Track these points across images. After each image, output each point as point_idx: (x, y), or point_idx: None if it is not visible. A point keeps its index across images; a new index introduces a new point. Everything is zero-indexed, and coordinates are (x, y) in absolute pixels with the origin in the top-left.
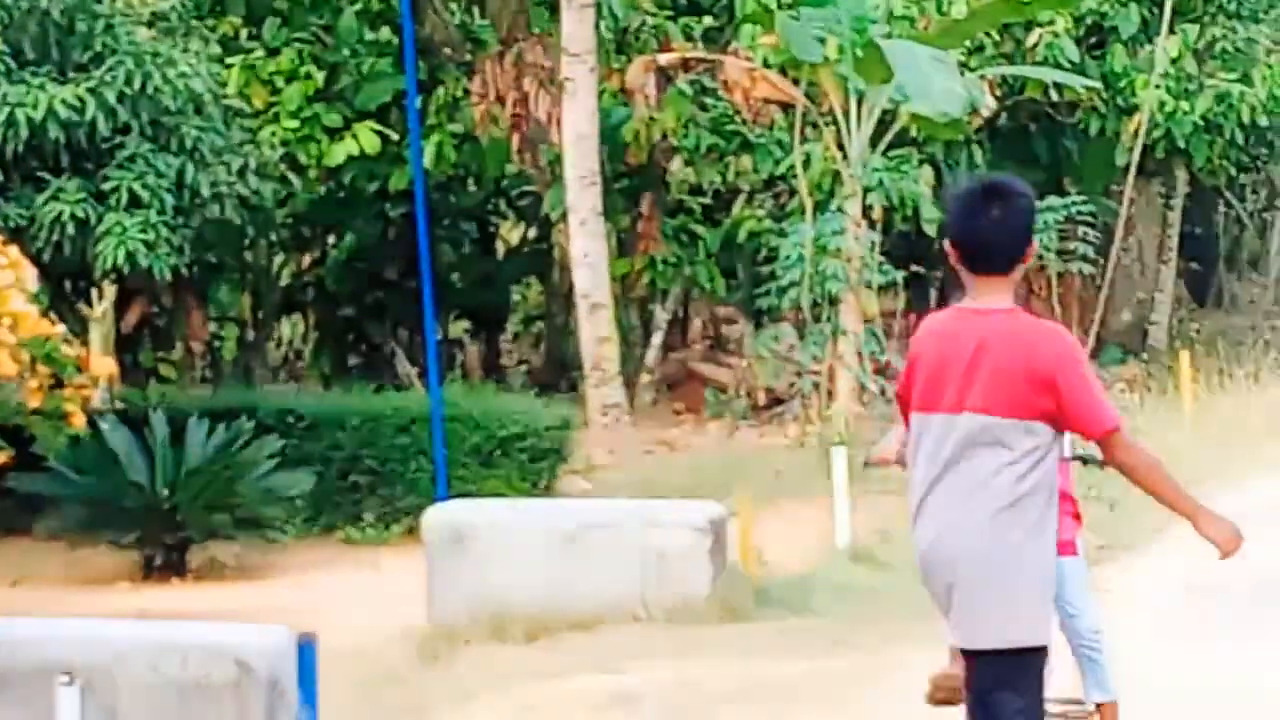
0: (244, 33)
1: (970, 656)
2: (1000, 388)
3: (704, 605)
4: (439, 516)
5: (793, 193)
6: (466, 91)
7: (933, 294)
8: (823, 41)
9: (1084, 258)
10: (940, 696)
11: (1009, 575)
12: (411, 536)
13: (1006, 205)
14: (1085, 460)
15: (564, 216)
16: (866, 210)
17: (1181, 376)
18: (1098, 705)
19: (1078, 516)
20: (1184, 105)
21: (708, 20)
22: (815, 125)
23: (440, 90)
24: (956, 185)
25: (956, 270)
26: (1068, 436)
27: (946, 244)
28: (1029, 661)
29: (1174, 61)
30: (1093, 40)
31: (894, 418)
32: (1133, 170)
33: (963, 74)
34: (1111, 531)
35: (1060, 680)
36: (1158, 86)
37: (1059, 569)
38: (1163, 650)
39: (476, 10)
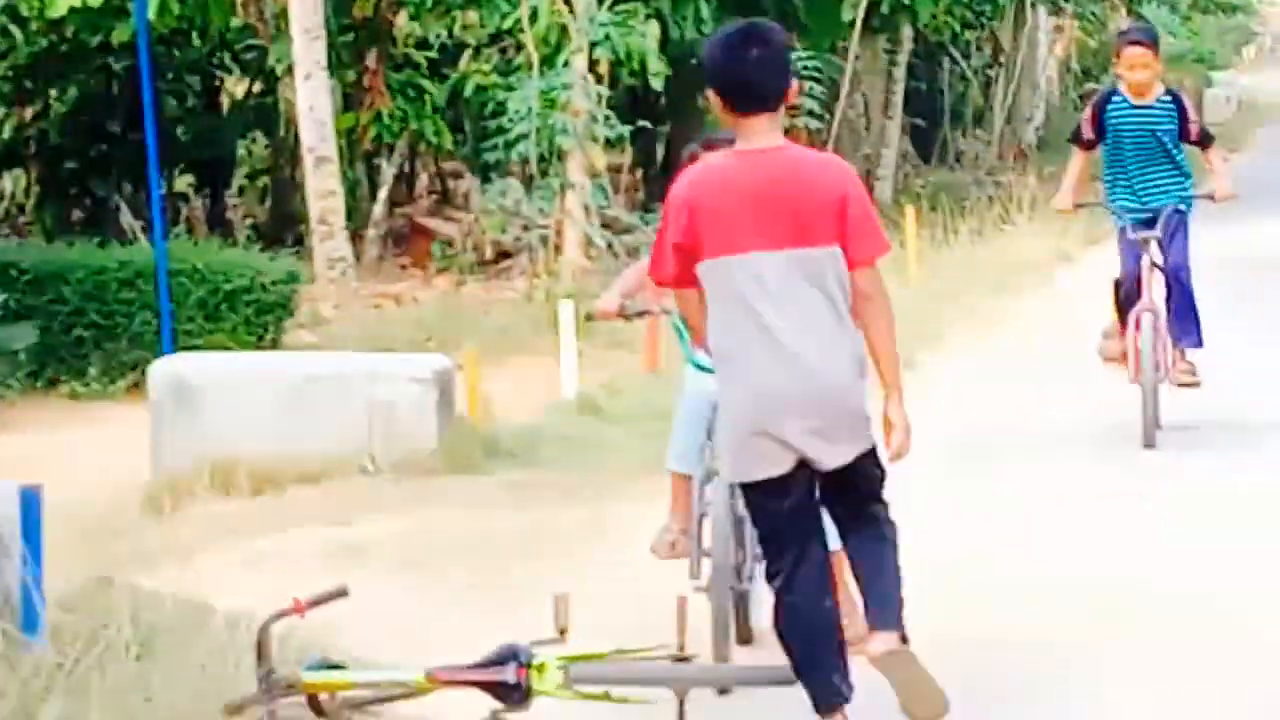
0: None
1: (828, 475)
2: (806, 219)
3: (431, 458)
4: (164, 370)
5: (519, 47)
6: None
7: (659, 149)
8: None
9: (810, 113)
10: (666, 551)
11: (855, 390)
12: (137, 391)
13: (766, 45)
14: None
15: (289, 70)
16: (594, 65)
17: (907, 232)
18: None
19: None
20: None
21: None
22: None
23: None
24: (712, 35)
25: (723, 118)
26: None
27: (710, 93)
28: (875, 461)
29: None
30: None
31: (619, 271)
32: (858, 27)
33: None
34: None
35: None
36: None
37: None
38: (891, 504)
39: None
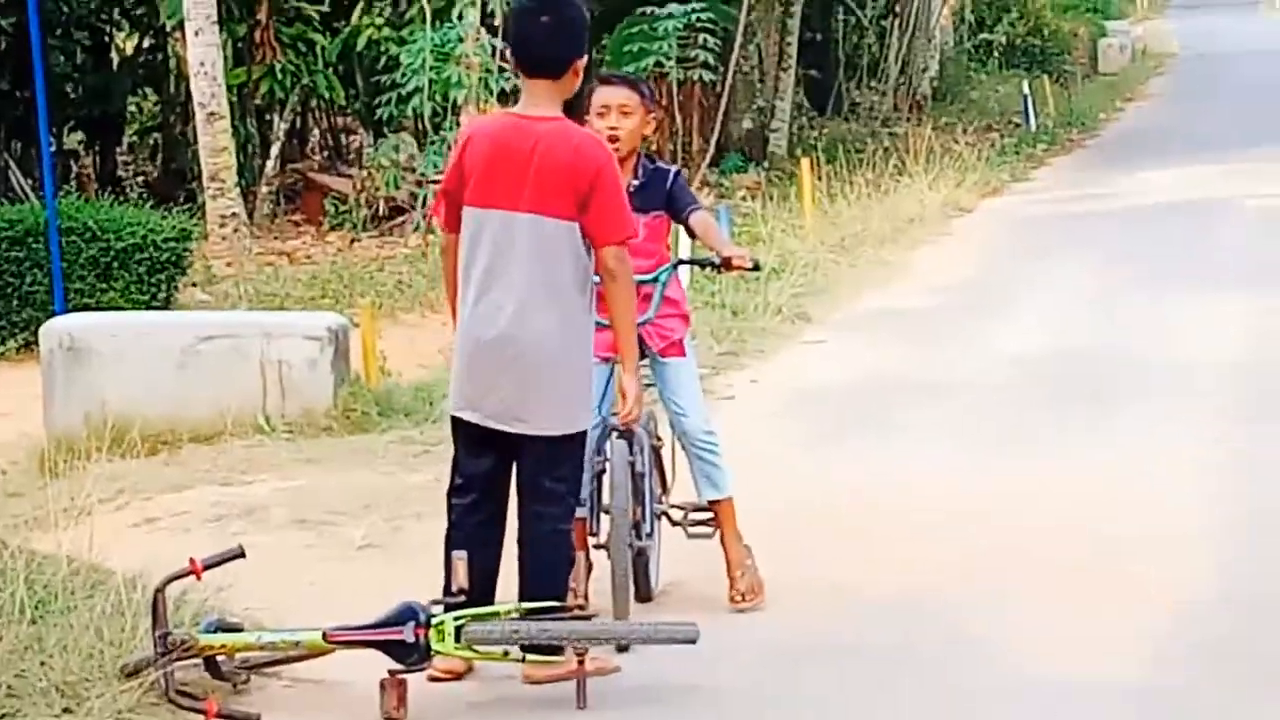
0: None
1: (524, 443)
2: (551, 189)
3: (327, 416)
4: (55, 330)
5: (411, 0)
6: None
7: None
8: None
9: (705, 65)
10: None
11: (566, 364)
12: (29, 351)
13: (558, 14)
14: (702, 265)
15: (180, 26)
16: (487, 17)
17: (802, 184)
18: (711, 503)
19: (685, 318)
20: None
21: None
22: None
23: None
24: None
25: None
26: (683, 242)
27: (509, 53)
28: (578, 443)
29: None
30: None
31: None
32: None
33: None
34: (735, 339)
35: (683, 488)
36: None
37: (666, 368)
38: (784, 454)
39: None
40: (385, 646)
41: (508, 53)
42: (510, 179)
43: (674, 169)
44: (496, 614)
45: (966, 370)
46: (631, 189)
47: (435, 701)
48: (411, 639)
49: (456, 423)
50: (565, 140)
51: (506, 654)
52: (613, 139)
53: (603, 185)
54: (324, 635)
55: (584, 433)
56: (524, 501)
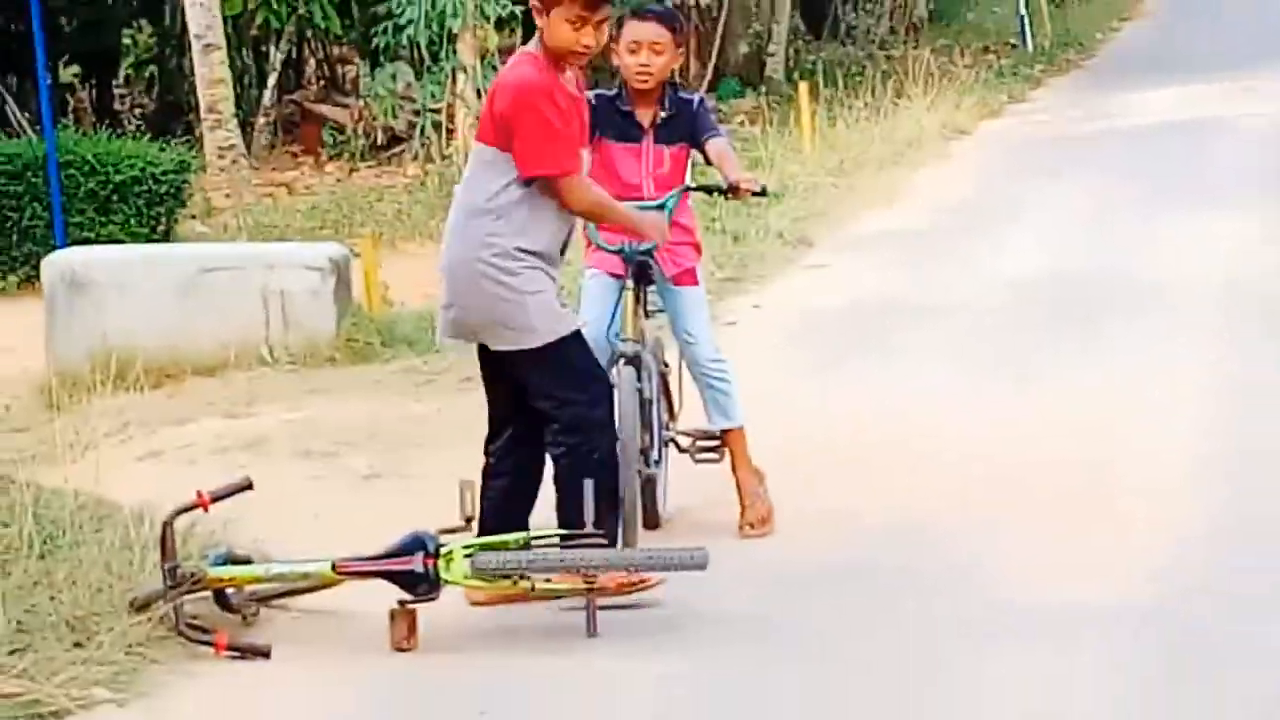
0: None
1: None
2: (486, 116)
3: (329, 346)
4: (56, 264)
5: None
6: None
7: None
8: None
9: None
10: None
11: (489, 285)
12: (29, 286)
13: None
14: (709, 191)
15: None
16: None
17: (800, 108)
18: (723, 431)
19: (697, 247)
20: None
21: None
22: None
23: None
24: None
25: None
26: (688, 170)
27: None
28: (549, 360)
29: None
30: None
31: None
32: None
33: None
34: (737, 264)
35: (691, 415)
36: None
37: (678, 297)
38: (787, 379)
39: None
40: (394, 576)
41: None
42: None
43: (698, 96)
44: (505, 543)
45: (966, 293)
46: (660, 121)
47: (445, 632)
48: (420, 569)
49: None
50: (506, 70)
51: (516, 582)
52: (642, 75)
53: (520, 116)
54: (332, 566)
55: (553, 349)
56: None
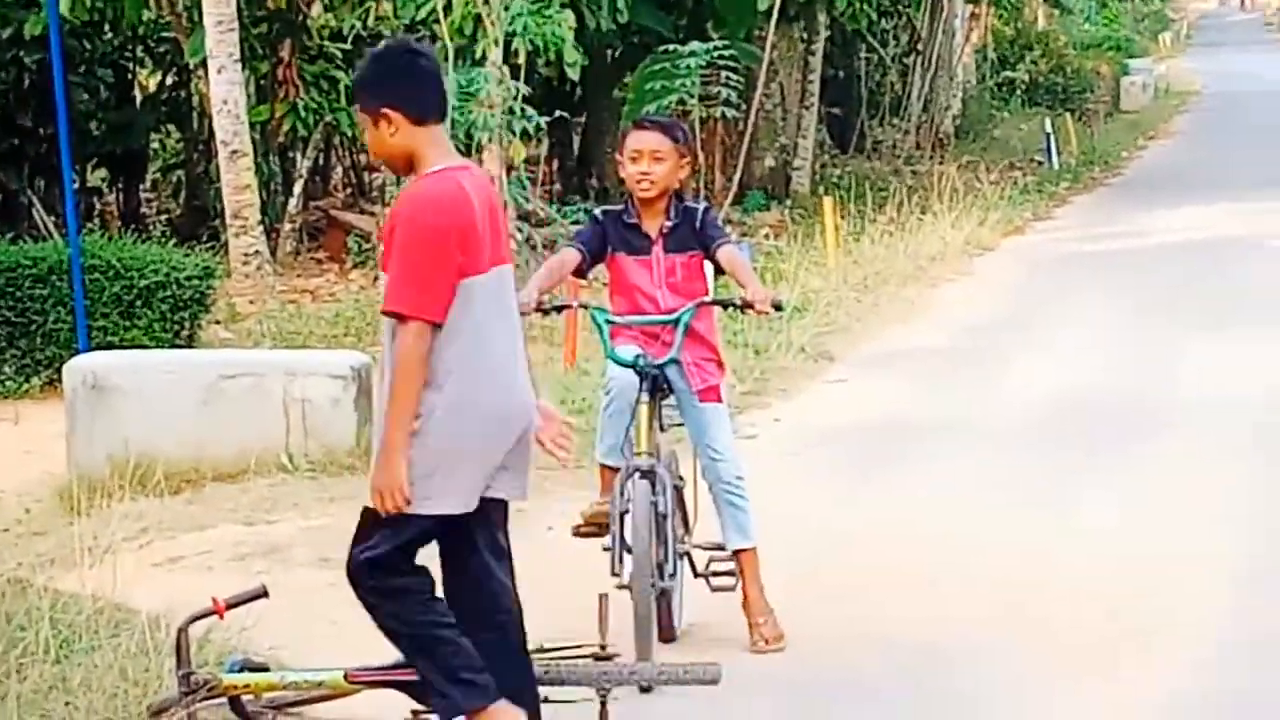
0: None
1: (492, 506)
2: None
3: (350, 455)
4: (79, 367)
5: (434, 38)
6: None
7: (575, 140)
8: None
9: (727, 102)
10: (585, 530)
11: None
12: (52, 389)
13: (430, 59)
14: (725, 305)
15: (203, 63)
16: (509, 56)
17: (825, 222)
18: (736, 551)
19: (720, 363)
20: None
21: None
22: None
23: None
24: (374, 49)
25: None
26: (710, 278)
27: (385, 109)
28: (398, 522)
29: None
30: None
31: (537, 264)
32: (775, 15)
33: None
34: (758, 378)
35: (704, 526)
36: None
37: (704, 414)
38: (805, 493)
39: None
40: (406, 686)
41: (383, 110)
42: (487, 233)
43: (702, 205)
44: None
45: (986, 412)
46: (665, 230)
47: None
48: None
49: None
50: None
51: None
52: (644, 183)
53: (391, 246)
54: (346, 675)
55: (405, 517)
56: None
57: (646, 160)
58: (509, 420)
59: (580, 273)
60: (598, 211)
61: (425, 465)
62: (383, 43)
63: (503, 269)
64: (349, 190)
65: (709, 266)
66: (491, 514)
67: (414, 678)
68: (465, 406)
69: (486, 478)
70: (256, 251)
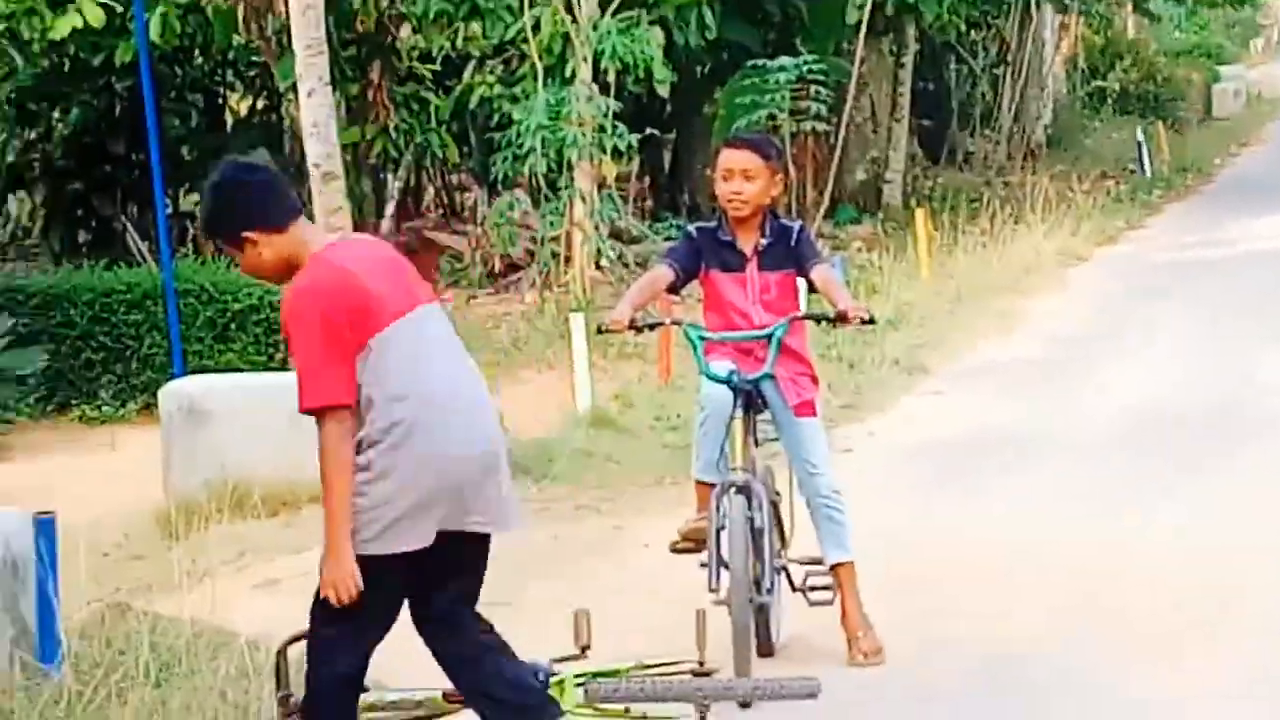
0: None
1: (477, 542)
2: None
3: None
4: (175, 392)
5: (523, 58)
6: None
7: (666, 156)
8: None
9: (818, 116)
10: (683, 546)
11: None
12: (148, 414)
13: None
14: (818, 319)
15: (293, 86)
16: (599, 74)
17: (917, 234)
18: (834, 566)
19: (814, 378)
20: None
21: None
22: None
23: None
24: (209, 183)
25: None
26: (802, 292)
27: (245, 235)
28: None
29: None
30: None
31: (629, 281)
32: (863, 28)
33: None
34: (852, 391)
35: (801, 541)
36: None
37: (800, 429)
38: (901, 507)
39: None
40: None
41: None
42: (400, 281)
43: (798, 224)
44: (618, 671)
45: (1079, 423)
46: (761, 248)
47: None
48: None
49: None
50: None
51: (627, 711)
52: (735, 203)
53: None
54: (444, 695)
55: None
56: None
57: (738, 179)
58: (461, 448)
59: (674, 289)
60: (692, 228)
61: (376, 509)
62: (212, 175)
63: (420, 310)
64: (441, 211)
65: (801, 284)
66: (465, 553)
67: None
68: (403, 450)
69: (444, 513)
70: None
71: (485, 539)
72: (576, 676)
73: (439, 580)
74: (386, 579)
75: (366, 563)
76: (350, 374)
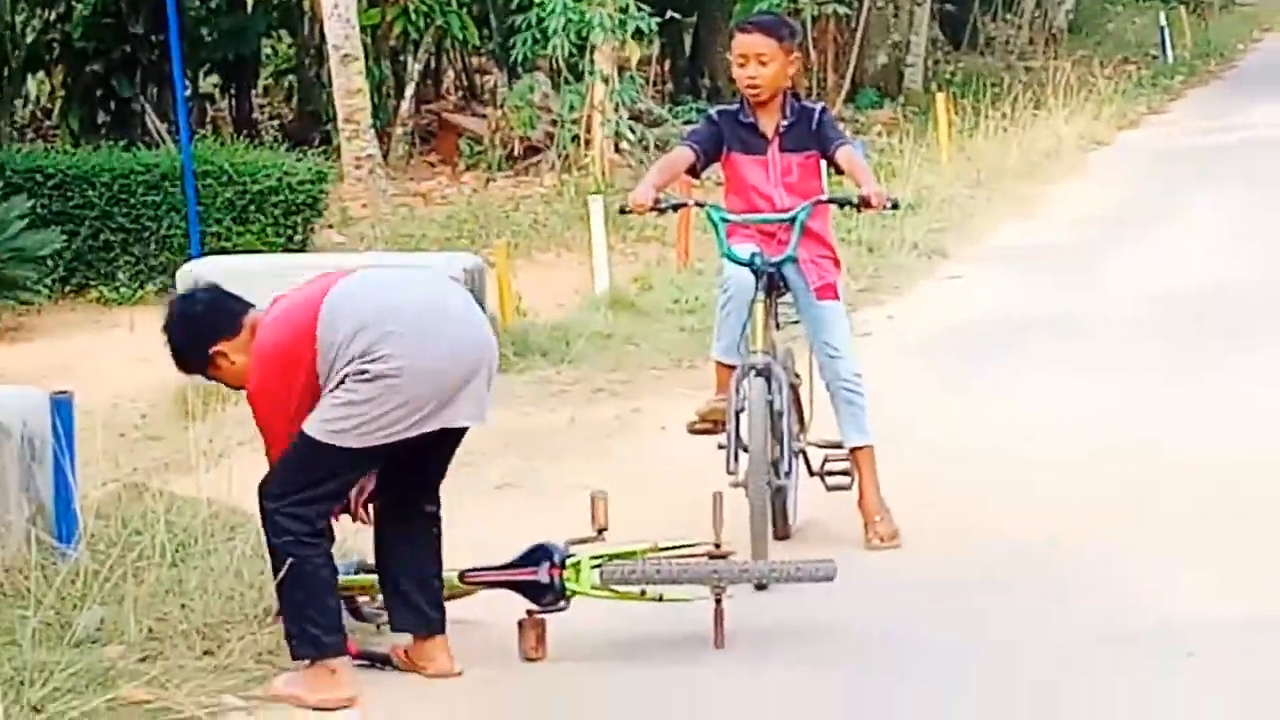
0: None
1: (453, 435)
2: None
3: None
4: (193, 272)
5: None
6: None
7: (687, 39)
8: None
9: (840, 0)
10: (701, 427)
11: None
12: (166, 294)
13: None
14: (841, 204)
15: None
16: None
17: (938, 119)
18: (854, 449)
19: (836, 261)
20: None
21: None
22: None
23: None
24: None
25: None
26: (821, 170)
27: (215, 353)
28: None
29: None
30: None
31: (649, 164)
32: None
33: None
34: (872, 275)
35: (819, 425)
36: None
37: (822, 311)
38: (920, 391)
39: None
40: (519, 586)
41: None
42: None
43: (820, 106)
44: (634, 553)
45: (1102, 306)
46: (782, 129)
47: (574, 642)
48: (546, 579)
49: None
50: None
51: (643, 593)
52: (752, 87)
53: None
54: (461, 576)
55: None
56: None
57: (753, 64)
58: (448, 361)
59: (694, 172)
60: (713, 111)
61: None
62: (164, 317)
63: (365, 269)
64: (460, 93)
65: (824, 166)
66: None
67: (530, 577)
68: (392, 361)
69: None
70: (369, 155)
71: (463, 430)
72: (592, 559)
73: (409, 464)
74: (362, 463)
75: (344, 453)
76: (302, 409)
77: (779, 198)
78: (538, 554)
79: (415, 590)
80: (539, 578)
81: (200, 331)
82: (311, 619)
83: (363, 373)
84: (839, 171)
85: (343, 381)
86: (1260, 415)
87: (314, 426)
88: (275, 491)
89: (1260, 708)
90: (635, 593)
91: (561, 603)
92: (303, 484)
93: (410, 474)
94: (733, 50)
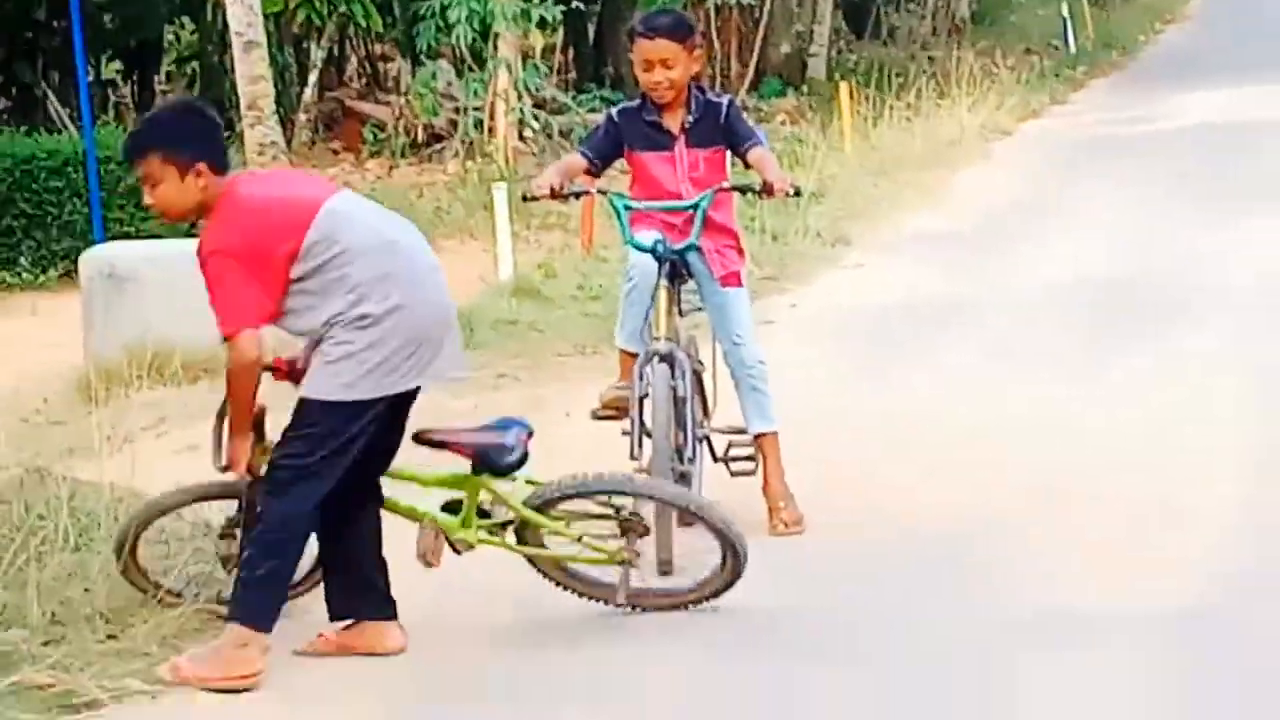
0: None
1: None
2: None
3: None
4: (95, 258)
5: None
6: None
7: (590, 27)
8: None
9: None
10: (605, 414)
11: None
12: (69, 280)
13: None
14: (743, 190)
15: None
16: None
17: (841, 108)
18: (758, 435)
19: (740, 249)
20: None
21: None
22: None
23: None
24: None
25: None
26: (727, 164)
27: (199, 164)
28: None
29: None
30: None
31: (552, 151)
32: None
33: None
34: (775, 263)
35: (724, 412)
36: None
37: (726, 299)
38: (824, 378)
39: None
40: (478, 452)
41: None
42: None
43: (727, 99)
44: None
45: (1004, 294)
46: (688, 125)
47: (473, 620)
48: (513, 443)
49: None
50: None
51: (569, 525)
52: (659, 91)
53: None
54: (415, 436)
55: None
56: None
57: (658, 69)
58: (435, 305)
59: (591, 175)
60: (614, 111)
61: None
62: (175, 100)
63: (345, 192)
64: (364, 80)
65: (730, 159)
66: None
67: (497, 440)
68: (392, 297)
69: (420, 361)
70: (272, 142)
71: (414, 395)
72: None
73: (381, 434)
74: (354, 425)
75: (345, 407)
76: (267, 297)
77: (685, 193)
78: (505, 422)
79: (378, 572)
80: (505, 441)
81: (210, 139)
82: (273, 592)
83: (363, 317)
84: (747, 167)
85: (330, 329)
86: (1152, 400)
87: (321, 389)
88: (290, 464)
89: (1170, 692)
90: (560, 525)
91: (512, 474)
92: (312, 449)
93: (378, 454)
94: (635, 54)
